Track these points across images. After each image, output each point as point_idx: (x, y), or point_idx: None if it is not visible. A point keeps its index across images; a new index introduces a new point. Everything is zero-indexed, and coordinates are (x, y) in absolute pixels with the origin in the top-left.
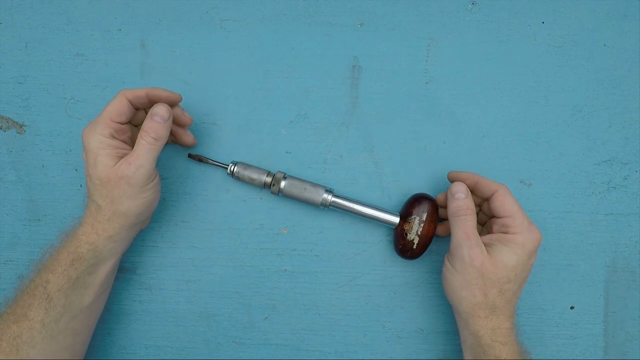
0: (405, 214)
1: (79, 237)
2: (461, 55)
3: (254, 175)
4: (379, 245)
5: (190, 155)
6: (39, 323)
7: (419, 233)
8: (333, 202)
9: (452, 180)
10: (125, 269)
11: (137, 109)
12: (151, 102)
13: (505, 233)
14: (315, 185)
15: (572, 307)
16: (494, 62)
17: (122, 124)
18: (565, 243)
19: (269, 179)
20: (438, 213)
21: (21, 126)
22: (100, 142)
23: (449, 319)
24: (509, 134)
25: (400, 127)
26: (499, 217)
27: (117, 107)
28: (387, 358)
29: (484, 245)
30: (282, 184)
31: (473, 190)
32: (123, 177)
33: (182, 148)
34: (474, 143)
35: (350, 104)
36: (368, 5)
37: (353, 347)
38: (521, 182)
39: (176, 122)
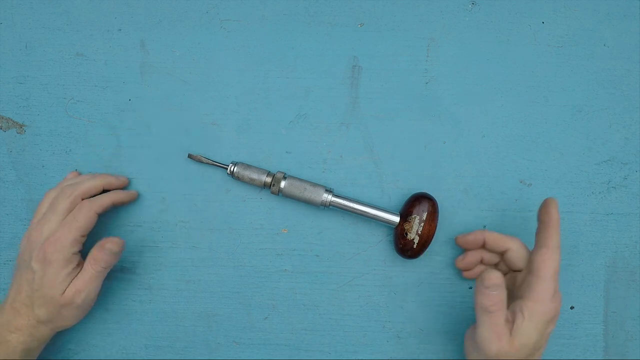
0: (406, 214)
1: (15, 346)
2: (461, 55)
3: (254, 175)
4: (379, 245)
5: (190, 156)
6: None
7: (419, 232)
8: (333, 202)
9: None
10: (125, 269)
11: None
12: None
13: (528, 299)
14: (315, 185)
15: (572, 307)
16: (494, 62)
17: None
18: (565, 243)
19: (269, 179)
20: (438, 212)
21: (21, 126)
22: (69, 260)
23: (448, 319)
24: (509, 134)
25: (400, 127)
26: (519, 271)
27: (89, 224)
28: (387, 358)
29: (509, 319)
30: (282, 184)
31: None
32: (72, 303)
33: (182, 148)
34: (474, 143)
35: (350, 104)
36: (368, 5)
37: (353, 347)
38: (521, 182)
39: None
